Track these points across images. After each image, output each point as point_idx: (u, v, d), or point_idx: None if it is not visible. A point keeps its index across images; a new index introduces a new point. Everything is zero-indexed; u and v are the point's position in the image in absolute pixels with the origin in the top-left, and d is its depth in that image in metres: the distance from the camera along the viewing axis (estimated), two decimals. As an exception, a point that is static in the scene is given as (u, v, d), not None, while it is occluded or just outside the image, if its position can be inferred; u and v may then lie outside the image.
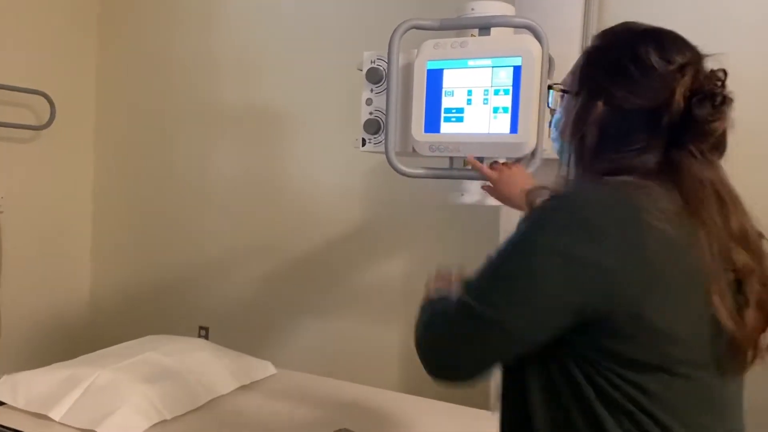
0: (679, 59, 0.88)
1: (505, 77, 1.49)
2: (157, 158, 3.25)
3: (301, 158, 2.82)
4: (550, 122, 1.09)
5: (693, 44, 0.92)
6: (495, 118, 1.50)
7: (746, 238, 0.86)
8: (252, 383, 2.15)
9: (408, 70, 1.61)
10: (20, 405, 1.81)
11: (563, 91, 0.99)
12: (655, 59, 0.88)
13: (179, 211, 3.20)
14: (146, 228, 3.31)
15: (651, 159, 0.87)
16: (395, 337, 2.57)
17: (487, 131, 1.51)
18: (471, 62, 1.52)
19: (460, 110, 1.54)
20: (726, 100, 0.87)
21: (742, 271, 0.84)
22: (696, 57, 0.90)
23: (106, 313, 3.45)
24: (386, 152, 1.61)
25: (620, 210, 0.82)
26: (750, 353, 0.85)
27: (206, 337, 3.03)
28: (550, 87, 1.07)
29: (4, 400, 1.84)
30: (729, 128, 0.89)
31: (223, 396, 2.01)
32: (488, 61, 1.50)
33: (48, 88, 3.12)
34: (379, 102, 1.70)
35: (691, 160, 0.86)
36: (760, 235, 0.90)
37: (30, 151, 3.17)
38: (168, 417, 1.79)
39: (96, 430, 1.68)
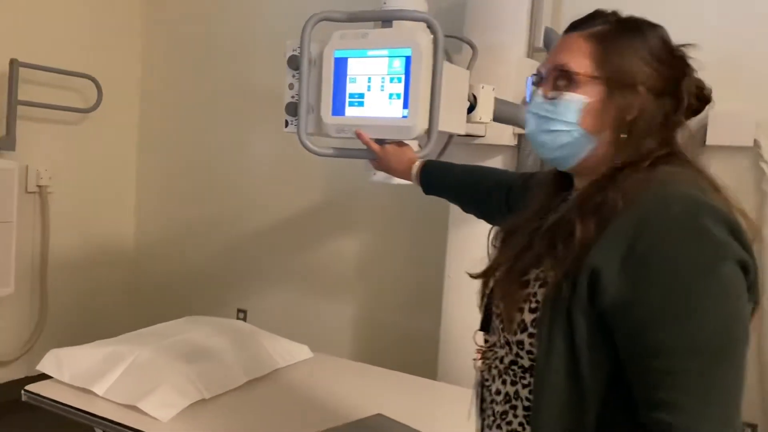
0: (679, 52, 0.92)
1: (399, 66, 1.63)
2: (198, 141, 3.30)
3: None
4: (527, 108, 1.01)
5: None
6: (390, 103, 1.65)
7: None
8: (288, 366, 2.17)
9: (321, 58, 1.76)
10: (65, 379, 1.87)
11: (592, 77, 0.91)
12: (673, 48, 0.91)
13: (220, 194, 3.24)
14: (187, 210, 3.36)
15: (668, 146, 0.90)
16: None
17: (383, 115, 1.66)
18: (370, 52, 1.67)
19: (361, 95, 1.69)
20: (710, 95, 0.93)
21: None
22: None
23: (147, 293, 3.52)
24: (298, 132, 1.76)
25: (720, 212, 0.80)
26: None
27: (244, 320, 3.07)
28: (559, 71, 0.94)
29: (50, 374, 1.90)
30: None
31: (260, 377, 2.03)
32: (385, 51, 1.65)
33: (95, 72, 3.19)
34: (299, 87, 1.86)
35: (692, 145, 0.91)
36: None
37: (78, 132, 3.25)
38: (207, 396, 1.82)
39: (137, 405, 1.72)
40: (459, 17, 2.27)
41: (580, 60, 0.92)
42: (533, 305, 0.88)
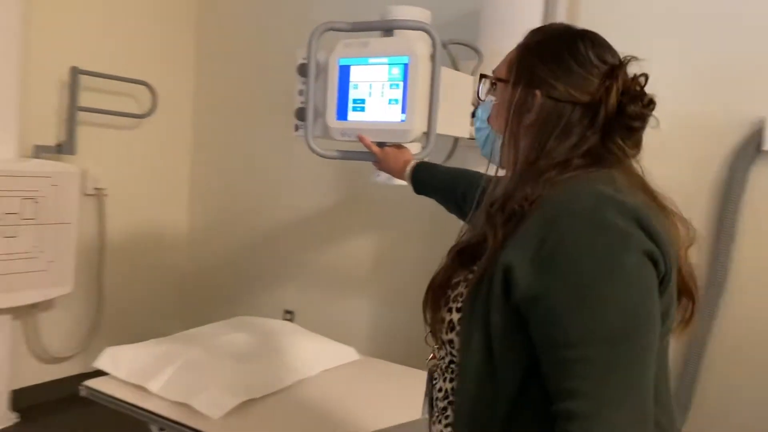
0: (611, 60, 0.93)
1: (397, 73, 1.73)
2: (249, 146, 3.36)
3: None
4: (473, 112, 1.12)
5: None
6: (390, 108, 1.74)
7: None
8: (335, 367, 2.20)
9: (327, 65, 1.86)
10: (121, 376, 1.93)
11: (498, 80, 1.00)
12: (592, 56, 0.92)
13: (269, 197, 3.29)
14: (237, 212, 3.43)
15: (589, 152, 0.90)
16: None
17: (383, 119, 1.75)
18: (371, 60, 1.76)
19: (363, 101, 1.79)
20: (651, 102, 0.92)
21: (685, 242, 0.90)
22: (623, 60, 0.94)
23: (198, 292, 3.61)
24: (305, 136, 1.86)
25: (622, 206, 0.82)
26: (692, 317, 0.92)
27: (291, 321, 3.11)
28: (483, 76, 1.05)
29: (107, 371, 1.97)
30: (650, 128, 0.94)
31: (307, 378, 2.06)
32: (385, 59, 1.74)
33: (151, 78, 3.29)
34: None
35: (621, 154, 0.91)
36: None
37: (133, 137, 3.36)
38: (256, 396, 1.86)
39: (189, 403, 1.77)
40: (474, 25, 2.31)
41: (502, 67, 1.00)
42: (459, 305, 0.92)
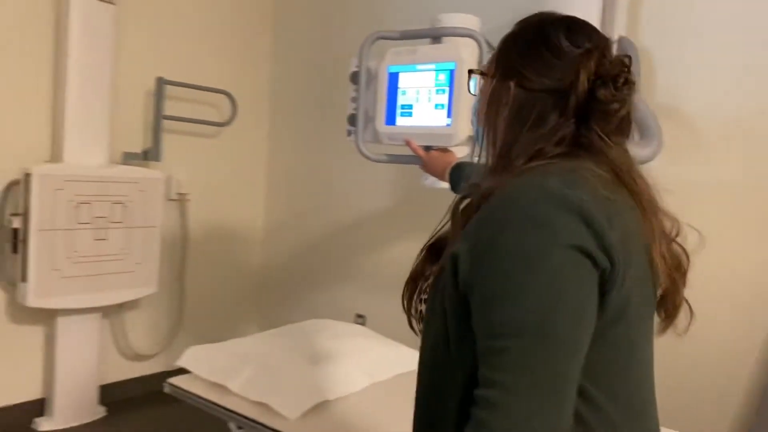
0: (587, 44, 0.90)
1: (444, 79, 1.77)
2: (320, 151, 3.43)
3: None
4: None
5: (600, 32, 0.94)
6: (436, 113, 1.78)
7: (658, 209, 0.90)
8: (408, 372, 2.21)
9: (377, 73, 1.92)
10: (203, 374, 2.00)
11: (480, 74, 1.01)
12: (564, 43, 0.90)
13: (340, 201, 3.34)
14: (311, 216, 3.50)
15: (563, 140, 0.88)
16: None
17: (429, 124, 1.79)
18: (419, 66, 1.80)
19: (411, 106, 1.82)
20: (628, 83, 0.88)
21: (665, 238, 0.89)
22: (602, 42, 0.91)
23: (273, 294, 3.70)
24: (356, 141, 1.93)
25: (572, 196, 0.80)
26: (675, 312, 0.92)
27: (363, 325, 3.14)
28: (470, 72, 1.07)
29: (189, 369, 2.05)
30: (633, 112, 0.90)
31: (381, 381, 2.08)
32: (432, 66, 1.78)
33: (230, 87, 3.41)
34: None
35: (599, 141, 0.87)
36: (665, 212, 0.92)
37: (214, 144, 3.48)
38: (330, 398, 1.89)
39: (267, 403, 1.82)
40: None
41: (490, 62, 1.00)
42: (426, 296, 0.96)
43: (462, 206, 0.91)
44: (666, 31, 2.35)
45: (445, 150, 1.77)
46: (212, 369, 2.01)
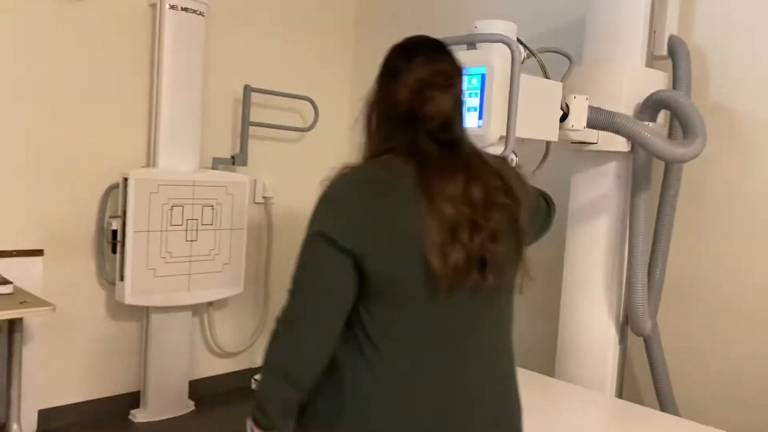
0: (415, 62, 1.13)
1: (476, 83, 1.86)
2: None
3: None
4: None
5: (440, 49, 1.18)
6: (468, 115, 1.82)
7: (471, 200, 1.05)
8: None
9: None
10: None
11: None
12: (401, 64, 1.14)
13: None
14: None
15: (401, 142, 1.09)
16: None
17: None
18: None
19: None
20: (438, 89, 1.10)
21: (457, 223, 1.04)
22: (429, 59, 1.14)
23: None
24: None
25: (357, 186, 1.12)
26: (448, 286, 1.04)
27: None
28: None
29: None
30: (455, 114, 1.11)
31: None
32: (465, 71, 1.75)
33: (312, 93, 3.49)
34: None
35: (425, 140, 1.08)
36: (510, 192, 1.11)
37: (296, 149, 3.58)
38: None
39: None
40: (580, 31, 2.38)
41: None
42: None
43: None
44: (716, 29, 2.32)
45: None
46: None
